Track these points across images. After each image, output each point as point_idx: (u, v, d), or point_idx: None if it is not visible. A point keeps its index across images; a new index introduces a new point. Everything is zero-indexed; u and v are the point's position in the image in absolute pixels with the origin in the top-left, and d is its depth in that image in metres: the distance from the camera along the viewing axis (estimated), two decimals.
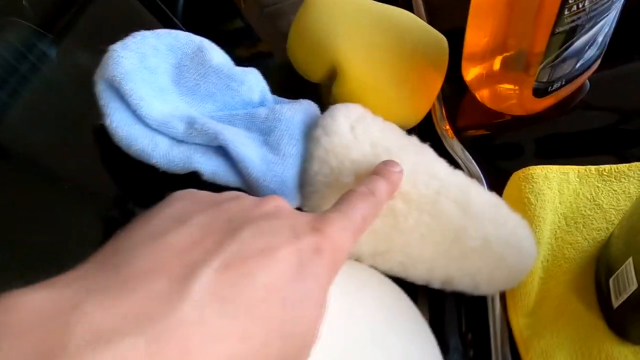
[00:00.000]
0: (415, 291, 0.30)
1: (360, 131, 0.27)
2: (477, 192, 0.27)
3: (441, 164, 0.28)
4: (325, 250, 0.17)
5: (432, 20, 0.46)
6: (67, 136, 0.36)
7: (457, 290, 0.27)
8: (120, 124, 0.26)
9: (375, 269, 0.27)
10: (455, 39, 0.37)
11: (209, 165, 0.26)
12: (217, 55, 0.30)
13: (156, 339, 0.12)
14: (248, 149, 0.26)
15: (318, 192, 0.26)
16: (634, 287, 0.24)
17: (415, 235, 0.26)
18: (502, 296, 0.29)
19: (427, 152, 0.29)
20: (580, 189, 0.33)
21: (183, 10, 0.55)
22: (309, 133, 0.28)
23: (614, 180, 0.33)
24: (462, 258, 0.26)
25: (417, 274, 0.27)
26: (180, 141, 0.27)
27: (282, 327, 0.15)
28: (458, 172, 0.28)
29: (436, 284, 0.27)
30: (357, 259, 0.27)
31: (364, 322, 0.24)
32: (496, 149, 0.38)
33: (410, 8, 0.50)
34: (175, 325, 0.13)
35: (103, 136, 0.35)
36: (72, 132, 0.37)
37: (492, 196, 0.28)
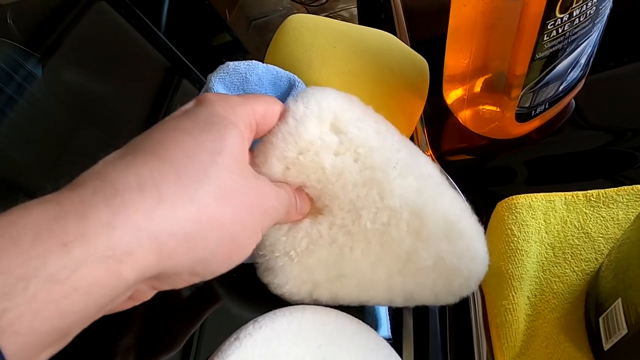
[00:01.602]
0: (401, 336, 0.29)
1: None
2: (434, 211, 0.25)
3: (404, 179, 0.25)
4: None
5: (415, 41, 0.45)
6: (54, 154, 0.36)
7: (420, 304, 0.26)
8: None
9: (336, 295, 0.26)
10: (439, 60, 0.36)
11: None
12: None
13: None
14: None
15: None
16: (624, 331, 0.22)
17: (365, 263, 0.25)
18: (488, 336, 0.28)
19: (392, 167, 0.26)
20: (568, 217, 0.32)
21: (166, 25, 0.54)
22: None
23: (602, 205, 0.32)
24: (417, 275, 0.25)
25: (378, 295, 0.26)
26: None
27: None
28: (423, 185, 0.26)
29: (399, 302, 0.26)
30: (313, 285, 0.25)
31: None
32: (481, 174, 0.37)
33: (393, 29, 0.49)
34: None
35: (89, 155, 0.34)
36: (58, 150, 0.36)
37: (452, 209, 0.26)
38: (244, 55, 0.63)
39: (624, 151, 0.35)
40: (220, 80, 0.28)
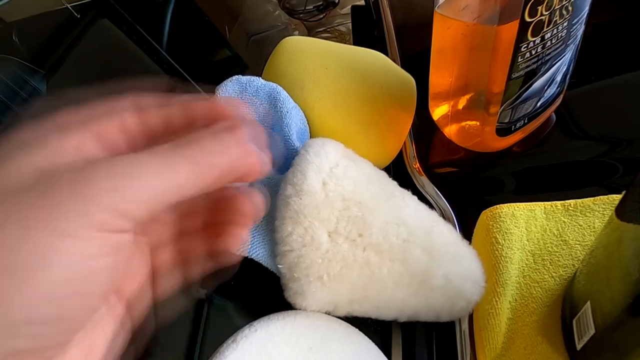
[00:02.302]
0: (390, 337, 0.31)
1: (332, 186, 0.27)
2: (440, 232, 0.28)
3: (408, 207, 0.29)
4: None
5: (405, 56, 0.48)
6: None
7: (421, 320, 0.29)
8: None
9: (350, 314, 0.28)
10: (428, 75, 0.38)
11: None
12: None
13: None
14: None
15: (294, 250, 0.27)
16: (592, 331, 0.24)
17: (389, 283, 0.27)
18: (472, 339, 0.30)
19: (396, 196, 0.29)
20: (547, 225, 0.33)
21: (168, 41, 0.56)
22: (280, 189, 0.29)
23: (579, 215, 0.33)
24: (428, 296, 0.28)
25: (389, 314, 0.29)
26: None
27: None
28: (423, 212, 0.29)
29: (404, 319, 0.29)
30: (334, 308, 0.27)
31: None
32: (467, 185, 0.39)
33: (384, 44, 0.51)
34: None
35: None
36: None
37: (452, 233, 0.29)
38: (243, 70, 0.65)
39: (602, 162, 0.37)
40: (224, 88, 0.31)
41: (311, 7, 0.73)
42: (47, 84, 0.46)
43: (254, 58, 0.68)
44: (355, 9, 0.69)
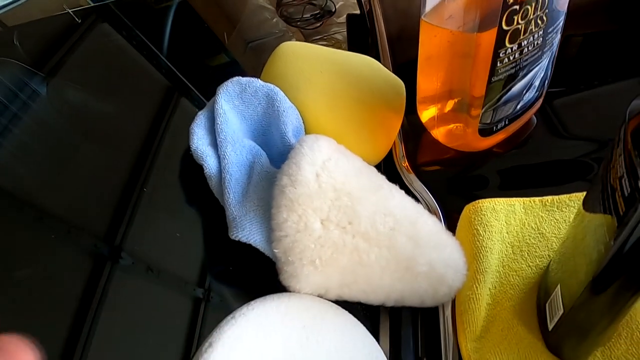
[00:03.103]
0: (378, 320, 0.33)
1: (325, 177, 0.30)
2: (424, 222, 0.31)
3: (394, 199, 0.31)
4: None
5: (397, 63, 0.50)
6: (56, 170, 0.39)
7: (407, 305, 0.31)
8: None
9: (340, 297, 0.30)
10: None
11: (212, 169, 0.33)
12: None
13: None
14: (237, 183, 0.32)
15: (289, 236, 0.29)
16: (561, 311, 0.27)
17: (376, 268, 0.29)
18: (454, 322, 0.32)
19: (383, 188, 0.32)
20: (526, 219, 0.36)
21: (168, 47, 0.58)
22: (276, 179, 0.31)
23: (556, 210, 0.36)
24: (413, 282, 0.30)
25: (377, 298, 0.31)
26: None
27: None
28: (408, 204, 0.32)
29: (390, 303, 0.31)
30: (326, 291, 0.30)
31: (323, 352, 0.27)
32: (453, 183, 0.41)
33: (377, 52, 0.54)
34: None
35: (92, 173, 0.37)
36: (60, 165, 0.39)
37: (435, 224, 0.31)
38: (240, 75, 0.67)
39: (579, 161, 0.40)
40: (225, 88, 0.34)
41: (308, 15, 0.75)
42: (47, 86, 0.48)
43: (251, 64, 0.70)
44: (350, 17, 0.72)
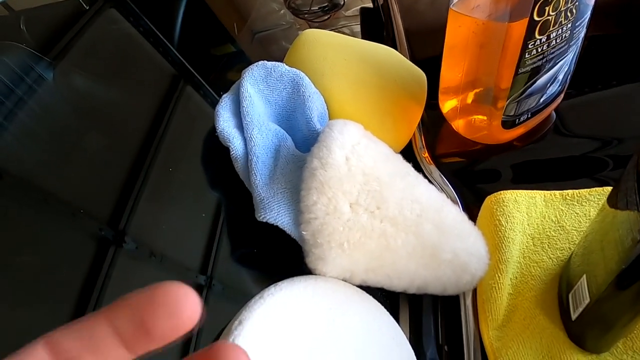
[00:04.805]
0: (398, 307, 0.33)
1: (355, 161, 0.30)
2: (449, 211, 0.31)
3: (420, 186, 0.31)
4: None
5: (414, 55, 0.50)
6: (62, 157, 0.38)
7: (428, 293, 0.31)
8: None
9: (365, 282, 0.30)
10: (436, 72, 0.41)
11: (239, 151, 0.33)
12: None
13: None
14: (264, 165, 0.32)
15: (318, 218, 0.29)
16: (587, 301, 0.27)
17: (402, 253, 0.29)
18: (475, 311, 0.32)
19: (410, 175, 0.32)
20: (546, 212, 0.36)
21: (175, 35, 0.57)
22: (306, 162, 0.31)
23: (576, 204, 0.36)
24: (437, 269, 0.30)
25: (400, 284, 0.31)
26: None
27: None
28: (433, 192, 0.32)
29: (413, 290, 0.31)
30: (351, 275, 0.30)
31: (349, 334, 0.27)
32: (471, 174, 0.41)
33: (394, 46, 0.54)
34: None
35: (97, 157, 0.37)
36: (66, 151, 0.39)
37: (459, 213, 0.31)
38: (247, 66, 0.67)
39: (597, 157, 0.40)
40: (250, 72, 0.34)
41: (316, 7, 0.75)
42: (53, 71, 0.47)
43: (257, 54, 0.69)
44: (364, 11, 0.72)
